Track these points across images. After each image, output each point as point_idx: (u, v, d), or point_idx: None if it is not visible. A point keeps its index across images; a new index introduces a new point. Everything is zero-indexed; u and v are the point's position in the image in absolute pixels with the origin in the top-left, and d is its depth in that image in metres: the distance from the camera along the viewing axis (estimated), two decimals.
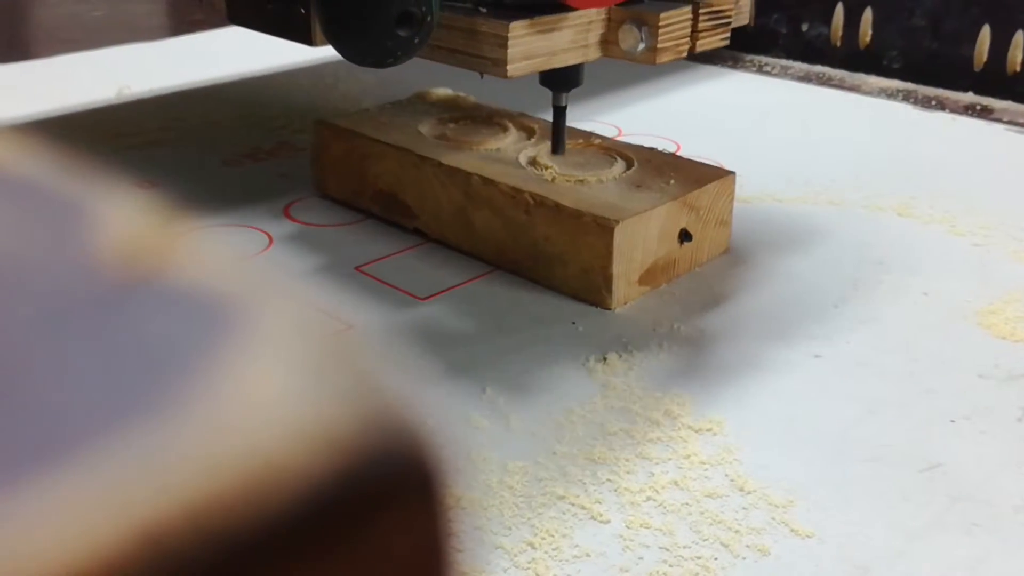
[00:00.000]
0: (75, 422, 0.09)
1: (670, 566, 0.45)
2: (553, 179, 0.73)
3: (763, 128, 1.05)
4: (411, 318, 0.68)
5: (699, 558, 0.46)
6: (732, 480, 0.51)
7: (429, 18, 0.59)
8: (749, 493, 0.50)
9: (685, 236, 0.72)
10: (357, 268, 0.75)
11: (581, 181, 0.73)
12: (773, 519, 0.48)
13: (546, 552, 0.46)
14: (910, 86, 1.22)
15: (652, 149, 0.81)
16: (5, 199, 0.12)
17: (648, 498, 0.50)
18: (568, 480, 0.51)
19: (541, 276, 0.72)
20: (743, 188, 0.86)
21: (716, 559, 0.46)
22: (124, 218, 0.11)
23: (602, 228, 0.67)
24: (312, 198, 0.87)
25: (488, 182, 0.73)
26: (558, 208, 0.69)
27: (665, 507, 0.49)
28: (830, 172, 0.92)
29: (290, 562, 0.09)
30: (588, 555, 0.46)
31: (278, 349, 0.09)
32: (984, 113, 1.15)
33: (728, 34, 0.72)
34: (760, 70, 1.27)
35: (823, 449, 0.54)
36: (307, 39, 0.63)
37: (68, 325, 0.10)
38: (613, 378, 0.60)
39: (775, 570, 0.45)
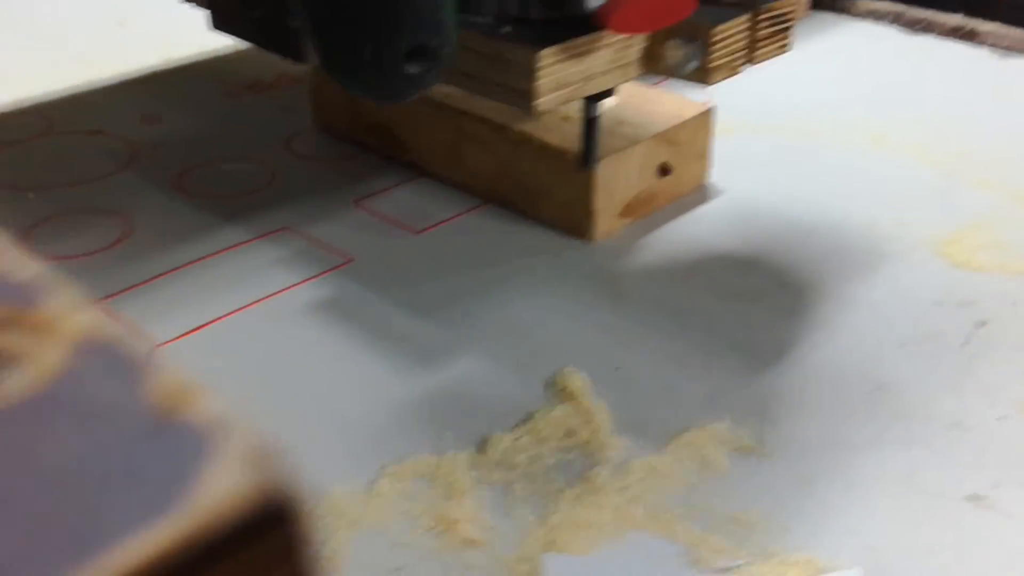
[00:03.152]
0: None
1: (631, 476, 0.50)
2: (540, 116, 0.77)
3: None
4: (407, 250, 0.72)
5: (666, 477, 0.51)
6: (695, 398, 0.56)
7: (446, 48, 0.48)
8: (710, 412, 0.55)
9: (664, 170, 0.76)
10: (355, 201, 0.79)
11: (565, 118, 0.77)
12: (732, 435, 0.53)
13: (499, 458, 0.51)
14: (899, 7, 1.23)
15: (635, 84, 0.84)
16: None
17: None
18: (532, 397, 0.56)
19: (528, 209, 0.76)
20: (724, 118, 0.90)
21: (675, 476, 0.51)
22: None
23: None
24: (311, 131, 0.91)
25: (477, 119, 0.77)
26: (543, 145, 0.73)
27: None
28: (810, 101, 0.96)
29: None
30: (562, 457, 0.51)
31: None
32: (970, 36, 1.17)
33: (788, 40, 0.63)
34: None
35: (782, 373, 0.59)
36: (297, 55, 0.52)
37: None
38: (594, 307, 0.65)
39: (730, 487, 0.50)
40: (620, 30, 0.55)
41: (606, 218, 0.73)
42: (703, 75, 0.60)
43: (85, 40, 1.15)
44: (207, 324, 0.64)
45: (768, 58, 0.63)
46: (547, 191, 0.74)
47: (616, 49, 0.60)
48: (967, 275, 0.68)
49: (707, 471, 0.51)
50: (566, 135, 0.74)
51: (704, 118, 0.79)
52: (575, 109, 0.78)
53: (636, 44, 0.61)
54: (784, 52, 0.64)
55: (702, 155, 0.80)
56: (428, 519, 0.48)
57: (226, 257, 0.72)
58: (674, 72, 0.61)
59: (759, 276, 0.69)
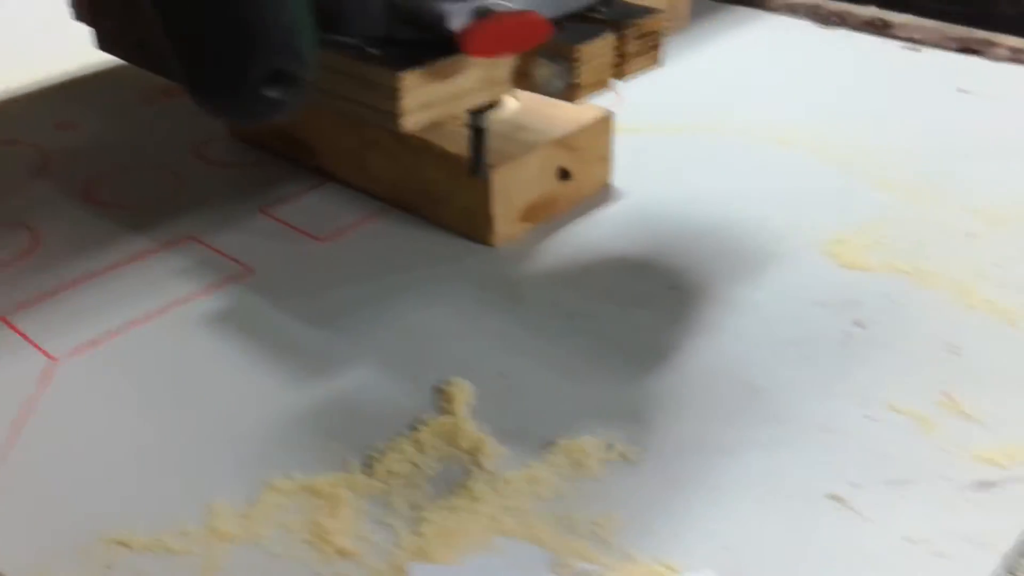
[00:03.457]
0: None
1: (506, 484, 0.52)
2: (443, 123, 0.78)
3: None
4: (308, 258, 0.73)
5: (540, 484, 0.53)
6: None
7: (304, 73, 0.49)
8: (589, 418, 0.57)
9: (564, 174, 0.78)
10: (260, 209, 0.80)
11: (467, 125, 0.78)
12: (607, 441, 0.55)
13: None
14: (816, 1, 1.25)
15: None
16: None
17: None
18: (420, 405, 0.58)
19: (431, 215, 0.78)
20: (632, 119, 0.92)
21: (549, 483, 0.53)
22: None
23: None
24: (224, 137, 0.92)
25: (379, 125, 0.78)
26: (442, 152, 0.75)
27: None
28: (720, 98, 0.97)
29: None
30: (443, 467, 0.53)
31: None
32: (883, 29, 1.20)
33: (659, 55, 0.66)
34: None
35: (662, 376, 0.61)
36: (176, 76, 0.50)
37: None
38: (489, 313, 0.66)
39: (601, 492, 0.52)
40: (476, 54, 0.56)
41: (505, 223, 0.75)
42: (570, 92, 0.61)
43: (5, 46, 1.14)
44: (105, 337, 0.65)
45: (639, 72, 0.64)
46: (448, 197, 0.76)
47: (485, 68, 0.61)
48: (853, 275, 0.70)
49: (581, 477, 0.53)
50: (466, 142, 0.75)
51: (603, 123, 0.80)
52: None
53: (505, 64, 0.62)
54: (656, 66, 0.65)
55: (603, 159, 0.82)
56: (305, 531, 0.49)
57: (130, 268, 0.73)
58: (543, 90, 0.62)
59: (651, 279, 0.71)
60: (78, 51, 1.09)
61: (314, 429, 0.56)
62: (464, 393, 0.58)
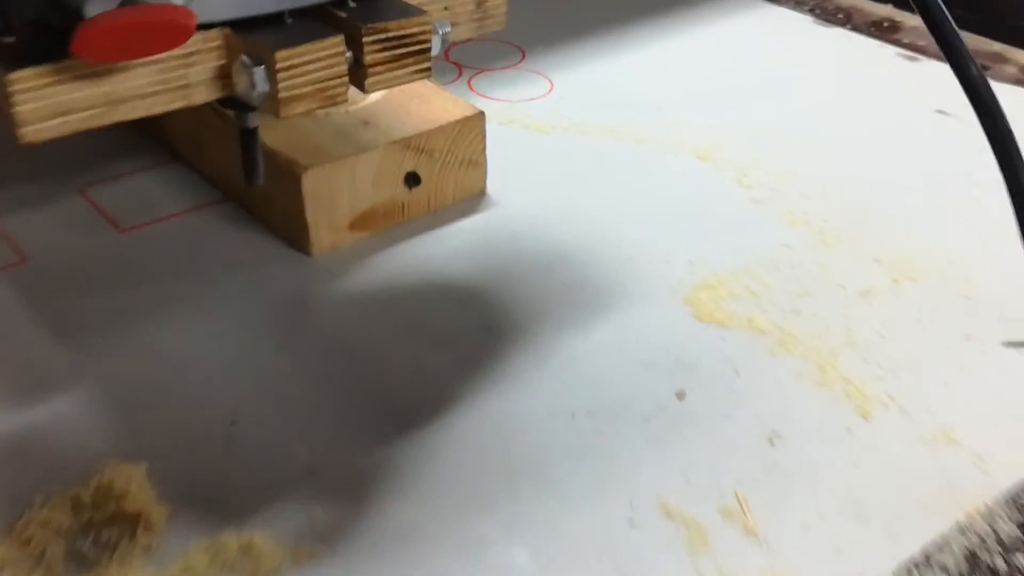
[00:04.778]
0: None
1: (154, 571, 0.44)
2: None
3: (625, 46, 0.97)
4: (98, 253, 0.65)
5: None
6: None
7: None
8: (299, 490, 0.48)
9: (413, 180, 0.68)
10: (80, 189, 0.72)
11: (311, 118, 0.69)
12: (298, 531, 0.46)
13: None
14: None
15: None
16: None
17: None
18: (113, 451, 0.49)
19: (259, 213, 0.69)
20: (554, 115, 0.82)
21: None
22: None
23: (292, 174, 0.63)
24: None
25: (213, 110, 0.69)
26: (266, 148, 0.65)
27: None
28: (661, 99, 0.86)
29: None
30: (90, 540, 0.45)
31: None
32: (888, 32, 1.06)
33: (428, 63, 0.51)
34: None
35: (416, 440, 0.51)
36: None
37: None
38: (262, 337, 0.57)
39: None
40: (84, 56, 0.44)
41: (326, 231, 0.65)
42: (274, 105, 0.49)
43: None
44: None
45: (395, 84, 0.51)
46: (272, 197, 0.67)
47: (162, 70, 0.48)
48: (703, 331, 0.59)
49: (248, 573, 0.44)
50: (293, 135, 0.66)
51: (471, 124, 0.70)
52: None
53: (201, 63, 0.49)
54: (423, 77, 0.52)
55: (472, 164, 0.71)
56: None
57: None
58: (247, 98, 0.50)
59: (470, 312, 0.61)
60: None
61: None
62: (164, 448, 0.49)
